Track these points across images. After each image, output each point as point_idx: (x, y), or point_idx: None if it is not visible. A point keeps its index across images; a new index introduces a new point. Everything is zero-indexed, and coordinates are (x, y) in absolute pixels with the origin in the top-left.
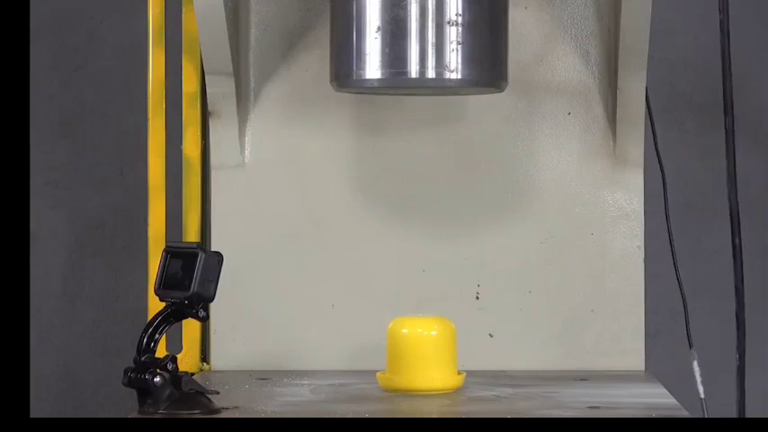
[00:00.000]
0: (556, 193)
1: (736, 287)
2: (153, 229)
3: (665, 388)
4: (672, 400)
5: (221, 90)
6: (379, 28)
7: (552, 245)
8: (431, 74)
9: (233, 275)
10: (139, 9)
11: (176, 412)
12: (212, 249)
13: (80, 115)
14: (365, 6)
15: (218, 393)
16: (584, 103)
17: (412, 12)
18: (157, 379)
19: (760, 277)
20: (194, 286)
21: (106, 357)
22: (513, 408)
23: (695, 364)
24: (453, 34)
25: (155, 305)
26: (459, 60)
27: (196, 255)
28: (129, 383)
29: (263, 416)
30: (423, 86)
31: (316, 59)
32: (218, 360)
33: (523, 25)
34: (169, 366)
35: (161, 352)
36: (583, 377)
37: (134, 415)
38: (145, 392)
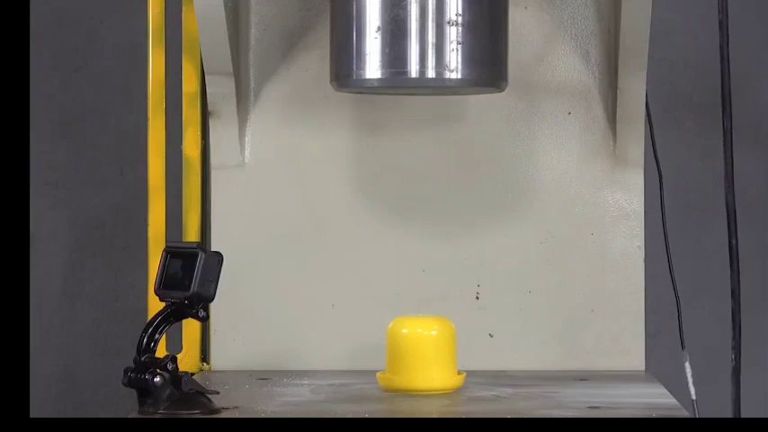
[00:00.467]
0: (556, 193)
1: (733, 287)
2: (153, 229)
3: (665, 388)
4: (672, 400)
5: (221, 90)
6: (379, 28)
7: (552, 245)
8: (431, 74)
9: (233, 275)
10: (139, 9)
11: (176, 412)
12: (212, 249)
13: (80, 115)
14: (365, 6)
15: (218, 393)
16: (584, 103)
17: (412, 12)
18: (157, 379)
19: (759, 277)
20: (194, 286)
21: (106, 357)
22: (513, 408)
23: (687, 365)
24: (453, 34)
25: (155, 305)
26: (460, 60)
27: (196, 255)
28: (129, 383)
29: (263, 416)
30: (423, 86)
31: (316, 59)
32: (218, 360)
33: (523, 25)
34: (169, 366)
35: (161, 352)
36: (583, 377)
37: (134, 415)
38: (145, 392)
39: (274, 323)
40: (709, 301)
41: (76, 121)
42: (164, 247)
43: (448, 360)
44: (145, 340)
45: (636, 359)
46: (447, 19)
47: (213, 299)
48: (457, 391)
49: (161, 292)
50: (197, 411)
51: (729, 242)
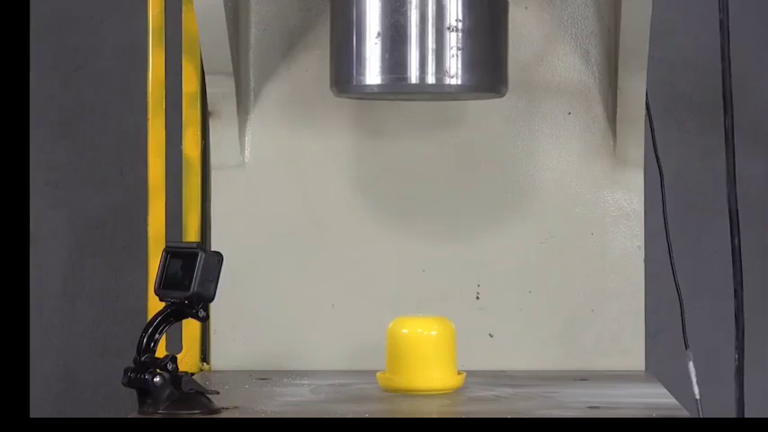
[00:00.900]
0: (556, 193)
1: (735, 287)
2: (153, 229)
3: (666, 388)
4: (672, 400)
5: (221, 90)
6: (379, 33)
7: (552, 245)
8: (431, 79)
9: (233, 275)
10: (139, 9)
11: (176, 412)
12: (212, 249)
13: (80, 115)
14: (365, 12)
15: (218, 393)
16: (584, 102)
17: (412, 17)
18: (157, 379)
19: (760, 277)
20: (194, 286)
21: (106, 357)
22: (513, 408)
23: (690, 364)
24: (453, 40)
25: (155, 305)
26: (459, 66)
27: (196, 255)
28: (129, 383)
29: (263, 416)
30: (422, 92)
31: (316, 59)
32: (218, 360)
33: (523, 25)
34: (169, 366)
35: (161, 352)
36: (583, 377)
37: (134, 415)
38: (145, 392)
39: (274, 323)
40: (709, 302)
41: (76, 121)
42: (164, 247)
43: (448, 360)
44: (145, 340)
45: (636, 359)
46: (447, 25)
47: (213, 299)
48: (457, 391)
49: (161, 292)
50: (197, 411)
51: (732, 242)
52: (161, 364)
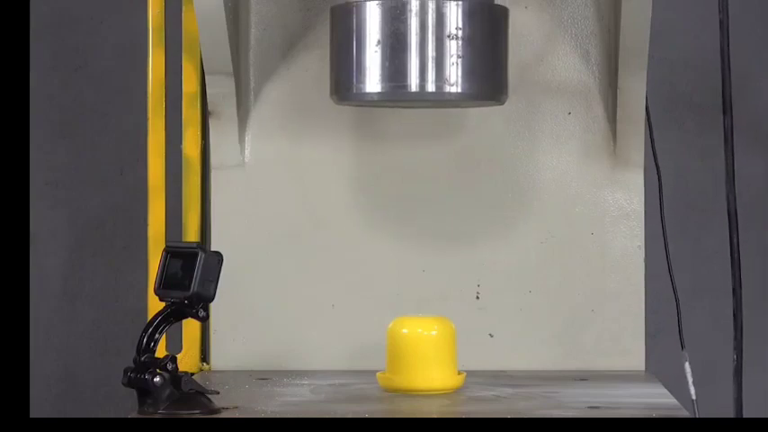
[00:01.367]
0: (556, 193)
1: (734, 287)
2: (153, 229)
3: (666, 388)
4: (672, 400)
5: (221, 90)
6: (379, 41)
7: (552, 245)
8: (431, 87)
9: (233, 275)
10: (139, 9)
11: (176, 412)
12: (212, 249)
13: (80, 115)
14: (365, 20)
15: (218, 393)
16: (584, 102)
17: (412, 25)
18: (157, 379)
19: (759, 277)
20: (194, 286)
21: (106, 357)
22: (513, 408)
23: (687, 365)
24: (453, 48)
25: (155, 305)
26: (460, 74)
27: (196, 255)
28: (129, 383)
29: (263, 416)
30: (422, 100)
31: (316, 59)
32: (218, 360)
33: (523, 25)
34: (169, 366)
35: (161, 352)
36: (583, 377)
37: (134, 415)
38: (145, 392)
39: (274, 323)
40: (709, 301)
41: (76, 121)
42: (164, 247)
43: (448, 360)
44: (145, 340)
45: (636, 359)
46: (447, 33)
47: (213, 299)
48: (457, 391)
49: (161, 291)
50: (197, 411)
51: (731, 241)
52: (161, 364)
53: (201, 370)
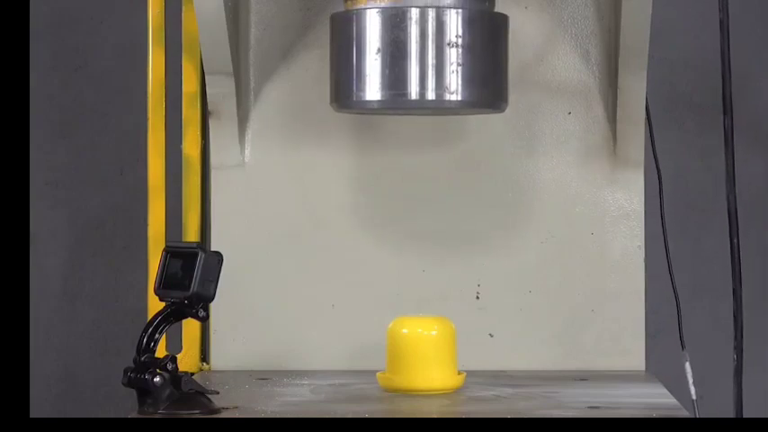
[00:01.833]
0: (556, 193)
1: (734, 287)
2: (153, 229)
3: (666, 388)
4: (672, 400)
5: (221, 90)
6: (379, 49)
7: (552, 245)
8: (431, 95)
9: (233, 275)
10: (139, 9)
11: (176, 412)
12: (212, 249)
13: (80, 115)
14: (365, 28)
15: (218, 393)
16: (584, 102)
17: (412, 33)
18: (157, 379)
19: (759, 277)
20: (194, 286)
21: (106, 357)
22: (513, 408)
23: (687, 365)
24: (453, 56)
25: (155, 305)
26: (460, 82)
27: (196, 255)
28: (129, 383)
29: (263, 416)
30: (422, 108)
31: (315, 59)
32: (218, 360)
33: (523, 25)
34: (169, 366)
35: (161, 352)
36: (583, 377)
37: (134, 415)
38: (145, 392)
39: (274, 323)
40: (709, 301)
41: (76, 121)
42: (164, 247)
43: (448, 360)
44: (145, 340)
45: (636, 359)
46: (447, 41)
47: (213, 299)
48: (457, 391)
49: (161, 291)
50: (197, 411)
51: (731, 242)
52: (161, 364)
53: (201, 370)
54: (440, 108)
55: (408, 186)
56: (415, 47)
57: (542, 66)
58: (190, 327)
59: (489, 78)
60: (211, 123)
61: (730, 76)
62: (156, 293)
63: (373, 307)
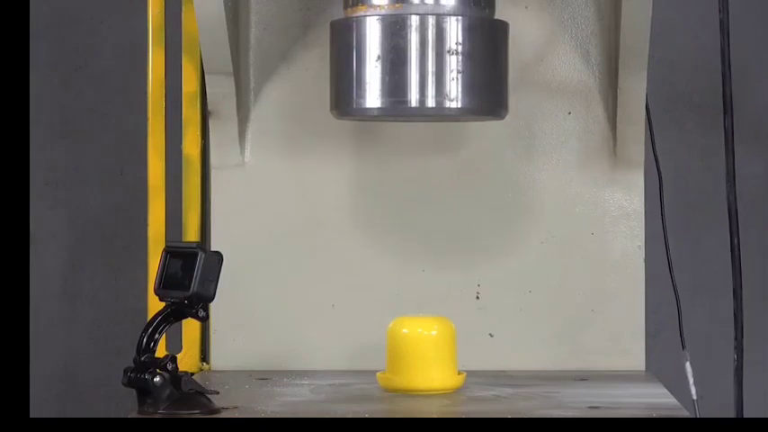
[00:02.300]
0: (556, 193)
1: (734, 287)
2: (153, 229)
3: (666, 388)
4: (672, 400)
5: (221, 90)
6: (379, 57)
7: (552, 245)
8: (431, 103)
9: (233, 275)
10: (139, 9)
11: (176, 412)
12: (212, 249)
13: (80, 115)
14: (365, 35)
15: (218, 393)
16: (584, 102)
17: (412, 41)
18: (157, 379)
19: (760, 277)
20: (194, 286)
21: (106, 357)
22: (513, 408)
23: (687, 365)
24: (453, 63)
25: (155, 305)
26: (459, 89)
27: (196, 254)
28: (129, 383)
29: (263, 416)
30: (422, 115)
31: (315, 59)
32: (218, 360)
33: (524, 25)
34: (169, 366)
35: (161, 352)
36: (583, 377)
37: (134, 415)
38: (145, 392)
39: (274, 323)
40: (709, 301)
41: (76, 121)
42: (164, 246)
43: (448, 360)
44: (145, 340)
45: (636, 359)
46: (447, 48)
47: (213, 299)
48: (457, 391)
49: (161, 291)
50: (197, 411)
51: (731, 241)
52: (161, 364)
53: (201, 370)
54: (440, 115)
55: (408, 186)
56: (415, 54)
57: (542, 66)
58: (190, 327)
59: (489, 85)
60: (211, 123)
61: (730, 76)
62: (156, 293)
63: (373, 307)
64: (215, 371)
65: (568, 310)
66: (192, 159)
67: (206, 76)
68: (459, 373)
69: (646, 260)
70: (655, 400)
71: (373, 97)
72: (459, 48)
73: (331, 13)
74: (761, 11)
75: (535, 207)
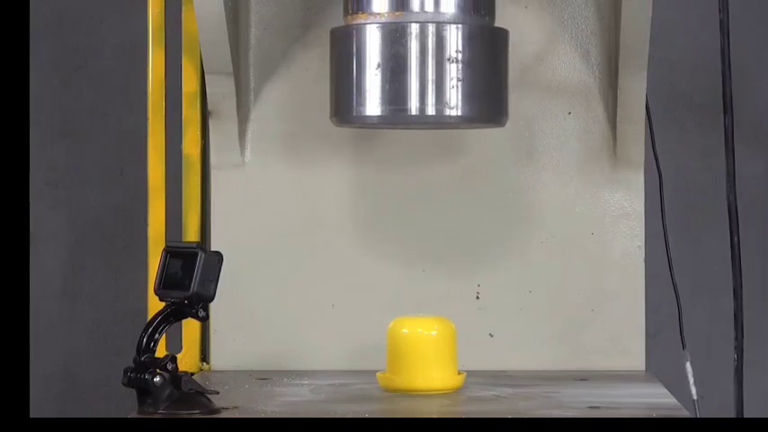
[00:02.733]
0: (556, 193)
1: (734, 287)
2: (153, 229)
3: (666, 388)
4: (672, 400)
5: (221, 90)
6: (379, 64)
7: (552, 245)
8: (431, 111)
9: (233, 275)
10: (139, 9)
11: (176, 412)
12: (212, 249)
13: (80, 115)
14: (365, 43)
15: (218, 393)
16: (584, 102)
17: (412, 48)
18: (157, 379)
19: (760, 276)
20: (194, 286)
21: (106, 357)
22: (513, 408)
23: (688, 365)
24: (453, 71)
25: (155, 305)
26: (459, 97)
27: (196, 254)
28: (129, 383)
29: (263, 416)
30: (422, 123)
31: (315, 59)
32: (218, 360)
33: (524, 25)
34: (169, 366)
35: (161, 352)
36: (583, 377)
37: (134, 415)
38: (145, 392)
39: (274, 323)
40: (709, 301)
41: (76, 121)
42: (164, 246)
43: (448, 360)
44: (145, 340)
45: (636, 359)
46: (447, 56)
47: (213, 299)
48: (457, 391)
49: (161, 291)
50: (197, 411)
51: (731, 241)
52: (161, 364)
53: (201, 370)
54: (439, 123)
55: (408, 186)
56: (415, 62)
57: (542, 66)
58: (190, 327)
59: (489, 93)
60: (211, 123)
61: (730, 76)
62: (156, 293)
63: (373, 307)
64: (215, 371)
65: (568, 310)
66: (192, 159)
67: (206, 76)
68: (459, 373)
69: (646, 260)
70: (655, 400)
71: (373, 105)
72: (459, 56)
73: (331, 13)
74: (761, 11)
75: (535, 207)
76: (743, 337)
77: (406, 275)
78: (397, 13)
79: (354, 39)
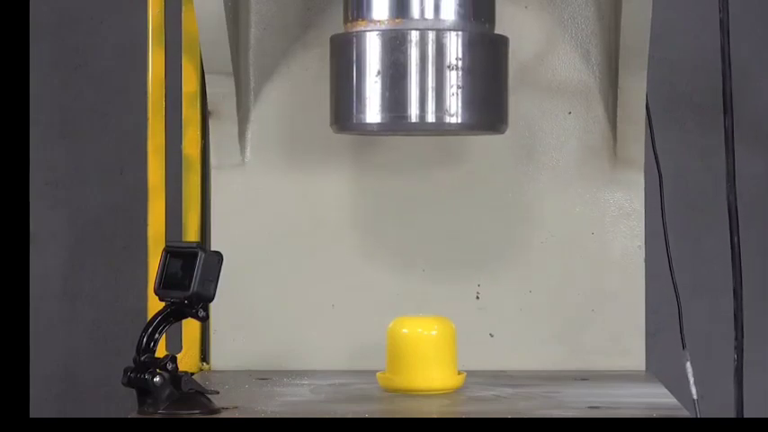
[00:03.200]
0: (556, 193)
1: (734, 287)
2: (153, 229)
3: (666, 388)
4: (672, 400)
5: (221, 90)
6: (379, 72)
7: (552, 245)
8: (431, 118)
9: (233, 275)
10: (139, 9)
11: (176, 412)
12: (212, 249)
13: (80, 115)
14: (365, 50)
15: (218, 393)
16: (584, 102)
17: (412, 56)
18: (157, 379)
19: (760, 276)
20: (194, 286)
21: (106, 357)
22: (513, 408)
23: (688, 365)
24: (453, 78)
25: (155, 305)
26: (459, 104)
27: (196, 254)
28: (129, 383)
29: (263, 416)
30: (422, 130)
31: (315, 58)
32: (218, 360)
33: (523, 25)
34: (169, 366)
35: (161, 352)
36: (583, 377)
37: (134, 415)
38: (145, 392)
39: (274, 323)
40: (709, 301)
41: (76, 121)
42: (164, 246)
43: (448, 360)
44: (144, 340)
45: (636, 359)
46: (447, 63)
47: (213, 299)
48: (457, 391)
49: (161, 291)
50: (197, 411)
51: (731, 241)
52: (161, 363)
53: (201, 370)
54: (439, 130)
55: (408, 185)
56: (415, 69)
57: (542, 66)
58: (190, 327)
59: (489, 101)
60: (211, 123)
61: (730, 76)
62: (156, 293)
63: (373, 307)
64: (215, 371)
65: (568, 310)
66: (191, 159)
67: (206, 76)
68: (459, 373)
69: (646, 260)
70: (655, 400)
71: (373, 112)
72: (460, 63)
73: (331, 13)
74: (761, 11)
75: (535, 207)
76: (743, 337)
77: (406, 275)
78: (397, 21)
79: (354, 46)
